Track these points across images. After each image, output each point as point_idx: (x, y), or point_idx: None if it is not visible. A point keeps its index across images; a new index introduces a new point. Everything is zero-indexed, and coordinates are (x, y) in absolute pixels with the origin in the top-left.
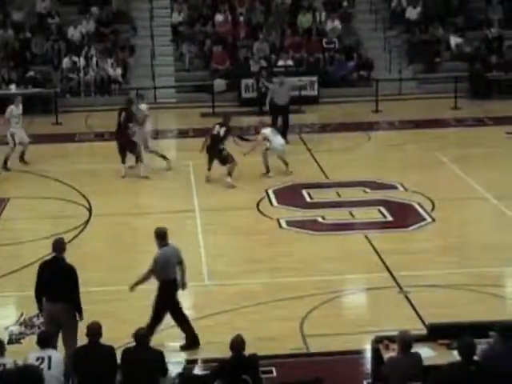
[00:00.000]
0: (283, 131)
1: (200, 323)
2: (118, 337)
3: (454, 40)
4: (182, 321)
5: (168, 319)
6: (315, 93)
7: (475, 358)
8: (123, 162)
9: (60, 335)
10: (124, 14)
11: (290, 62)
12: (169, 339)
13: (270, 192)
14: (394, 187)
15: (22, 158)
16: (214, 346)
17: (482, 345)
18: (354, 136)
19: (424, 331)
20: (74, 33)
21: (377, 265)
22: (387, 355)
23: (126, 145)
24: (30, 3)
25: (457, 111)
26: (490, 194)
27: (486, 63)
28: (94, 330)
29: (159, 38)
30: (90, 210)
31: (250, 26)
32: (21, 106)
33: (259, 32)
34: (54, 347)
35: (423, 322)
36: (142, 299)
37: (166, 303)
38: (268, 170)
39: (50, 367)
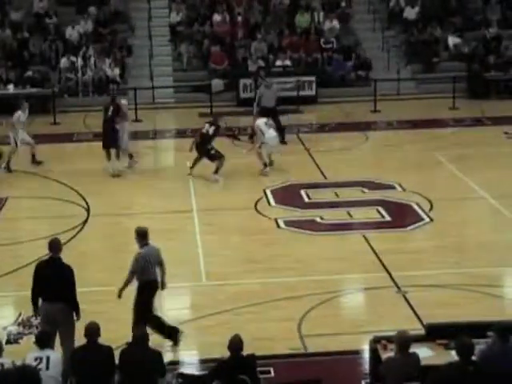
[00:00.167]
0: (279, 133)
1: (198, 323)
2: (116, 337)
3: (452, 40)
4: (154, 321)
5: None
6: (313, 93)
7: (473, 358)
8: (108, 159)
9: (57, 335)
10: (122, 13)
11: (287, 62)
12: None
13: (268, 192)
14: (392, 187)
15: (34, 159)
16: (212, 346)
17: (480, 345)
18: (353, 136)
19: (422, 331)
20: (71, 33)
21: (375, 265)
22: (385, 355)
23: (112, 140)
24: (27, 3)
25: (455, 111)
26: (488, 194)
27: (484, 63)
28: (92, 331)
29: (157, 38)
30: (87, 210)
31: (248, 25)
32: (27, 112)
33: (257, 32)
34: (52, 347)
35: (421, 322)
36: None
37: (146, 302)
38: (266, 164)
39: (48, 367)
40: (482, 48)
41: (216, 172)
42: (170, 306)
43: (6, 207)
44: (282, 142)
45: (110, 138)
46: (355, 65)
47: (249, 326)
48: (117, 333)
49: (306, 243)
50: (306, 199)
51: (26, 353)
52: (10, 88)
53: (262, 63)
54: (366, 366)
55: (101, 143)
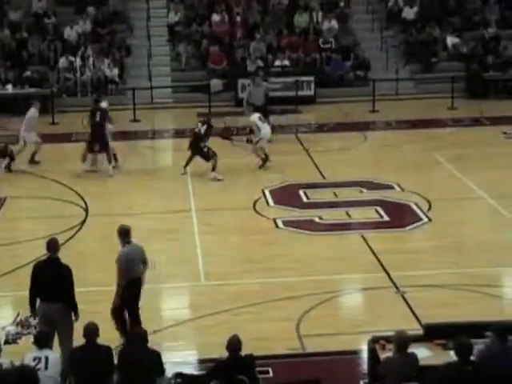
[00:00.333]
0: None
1: (196, 323)
2: (114, 337)
3: (451, 40)
4: (124, 321)
5: (168, 319)
6: (312, 93)
7: (472, 358)
8: (83, 160)
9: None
10: (120, 14)
11: (286, 62)
12: (166, 339)
13: (267, 192)
14: (390, 187)
15: (32, 159)
16: (211, 346)
17: (478, 345)
18: (351, 136)
19: (420, 331)
20: (70, 33)
21: (373, 265)
22: (384, 355)
23: (103, 145)
24: (26, 3)
25: (453, 111)
26: (486, 194)
27: (483, 63)
28: (91, 331)
29: (156, 38)
30: (86, 210)
31: (247, 25)
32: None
33: (256, 32)
34: (51, 348)
35: (420, 322)
36: None
37: (132, 299)
38: (264, 160)
39: (46, 367)
40: (481, 48)
41: (213, 170)
42: (169, 305)
43: (4, 207)
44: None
45: (101, 143)
46: (354, 65)
47: (247, 326)
48: (115, 333)
49: (305, 243)
50: (305, 199)
51: (25, 353)
52: (9, 88)
53: (260, 63)
54: (365, 366)
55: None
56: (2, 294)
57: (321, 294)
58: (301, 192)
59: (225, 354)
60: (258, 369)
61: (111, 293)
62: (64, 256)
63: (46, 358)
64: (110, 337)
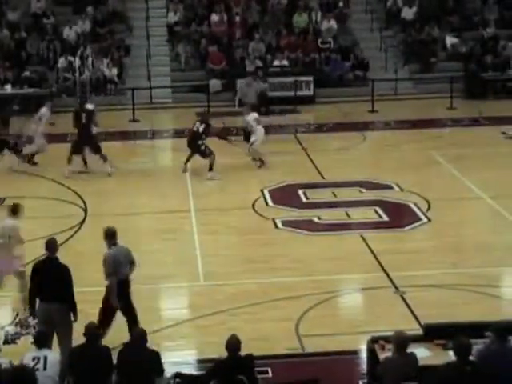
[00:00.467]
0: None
1: (196, 323)
2: (113, 337)
3: (450, 40)
4: (133, 319)
5: (167, 319)
6: (311, 93)
7: (471, 358)
8: (69, 162)
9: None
10: (120, 14)
11: (285, 62)
12: (165, 339)
13: (266, 192)
14: (389, 187)
15: (32, 158)
16: (210, 346)
17: (477, 345)
18: (350, 136)
19: (420, 331)
20: (69, 33)
21: (372, 265)
22: (383, 355)
23: (93, 147)
24: (25, 3)
25: (452, 111)
26: (485, 194)
27: (482, 63)
28: (92, 331)
29: (155, 38)
30: (85, 210)
31: (246, 25)
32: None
33: (255, 32)
34: (50, 347)
35: (419, 322)
36: (136, 299)
37: (121, 301)
38: (262, 161)
39: (45, 367)
40: (480, 48)
41: (210, 169)
42: (168, 305)
43: (3, 207)
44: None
45: (91, 146)
46: (353, 65)
47: (246, 326)
48: (114, 333)
49: (304, 243)
50: (304, 199)
51: (24, 353)
52: (8, 88)
53: (259, 63)
54: (364, 366)
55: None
56: (1, 294)
57: (320, 294)
58: (300, 192)
59: (224, 353)
60: (257, 369)
61: None
62: (63, 256)
63: (45, 358)
64: (108, 337)
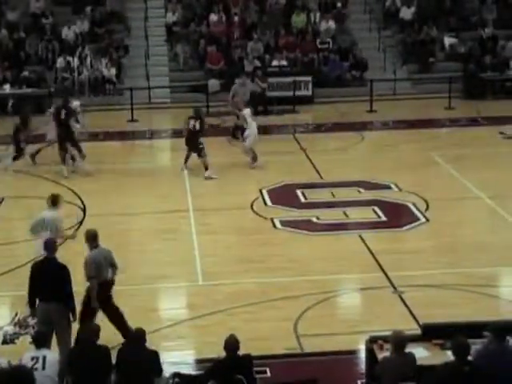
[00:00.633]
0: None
1: (194, 323)
2: (111, 337)
3: (448, 40)
4: (118, 319)
5: (166, 319)
6: (309, 93)
7: (469, 358)
8: (63, 162)
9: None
10: (118, 14)
11: (284, 62)
12: (164, 339)
13: (264, 192)
14: (388, 187)
15: (34, 157)
16: (209, 346)
17: (476, 345)
18: (349, 136)
19: (418, 331)
20: (68, 33)
21: (371, 265)
22: (381, 355)
23: (73, 142)
24: (24, 3)
25: (451, 111)
26: (483, 194)
27: (480, 63)
28: (92, 331)
29: (153, 38)
30: (84, 210)
31: (245, 25)
32: None
33: (253, 32)
34: (49, 347)
35: (417, 322)
36: (134, 299)
37: (103, 303)
38: (254, 158)
39: (44, 367)
40: (478, 48)
41: (206, 169)
42: (167, 305)
43: (2, 207)
44: (235, 138)
45: (71, 141)
46: (351, 65)
47: (245, 326)
48: (113, 332)
49: (303, 243)
50: (302, 199)
51: (23, 353)
52: (6, 88)
53: (258, 63)
54: (362, 366)
55: (96, 143)
56: (0, 294)
57: (318, 294)
58: (298, 192)
59: (222, 353)
60: (255, 369)
61: None
62: (61, 256)
63: (44, 358)
64: (107, 337)
